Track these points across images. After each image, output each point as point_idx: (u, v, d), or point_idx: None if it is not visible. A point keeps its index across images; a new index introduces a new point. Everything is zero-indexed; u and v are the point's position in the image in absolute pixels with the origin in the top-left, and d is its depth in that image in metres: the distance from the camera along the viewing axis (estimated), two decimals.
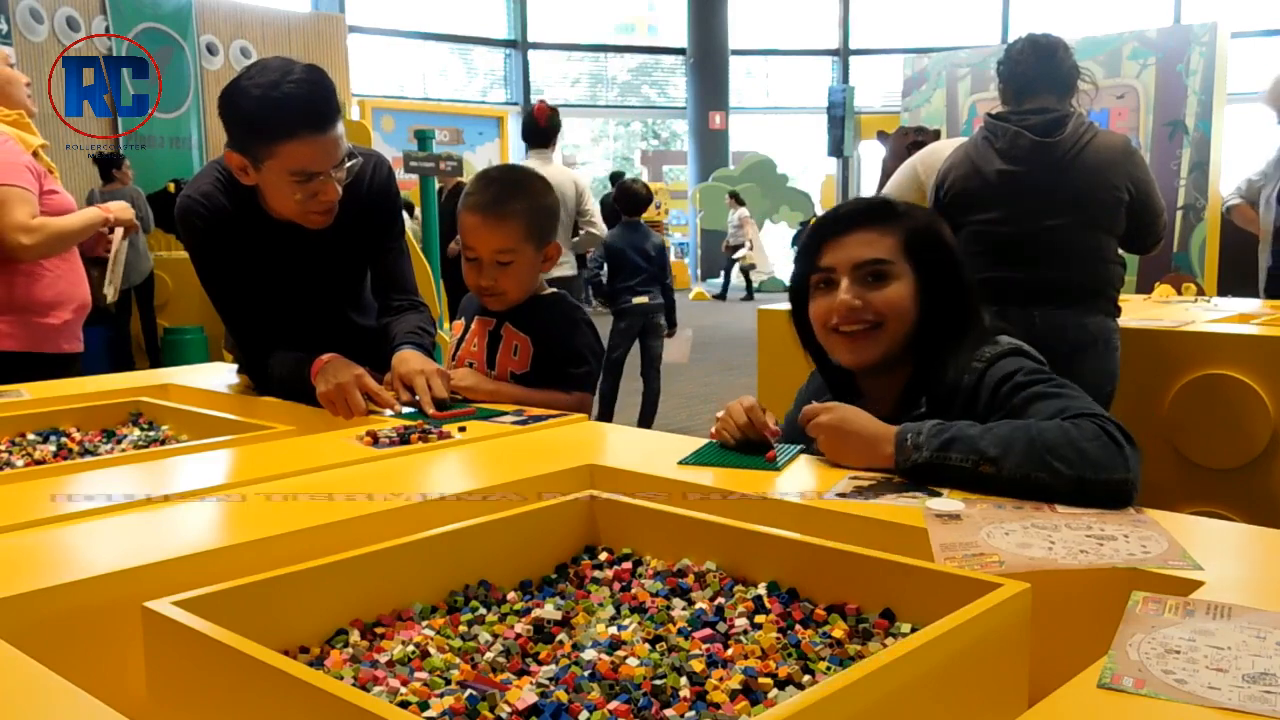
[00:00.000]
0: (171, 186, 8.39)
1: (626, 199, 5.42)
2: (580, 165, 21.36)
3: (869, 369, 1.46)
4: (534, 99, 16.59)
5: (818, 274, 1.47)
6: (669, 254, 5.56)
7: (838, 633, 0.86)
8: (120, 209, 2.71)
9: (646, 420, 5.37)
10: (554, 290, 2.06)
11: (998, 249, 2.70)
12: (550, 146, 4.64)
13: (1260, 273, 4.05)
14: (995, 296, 2.70)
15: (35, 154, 2.58)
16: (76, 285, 2.63)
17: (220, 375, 2.28)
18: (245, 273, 1.92)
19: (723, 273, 14.73)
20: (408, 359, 1.85)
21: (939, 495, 1.17)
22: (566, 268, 4.56)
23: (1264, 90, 3.98)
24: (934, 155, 3.66)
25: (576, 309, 2.05)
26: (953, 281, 1.47)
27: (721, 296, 14.30)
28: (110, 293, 2.79)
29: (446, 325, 5.92)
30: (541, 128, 4.58)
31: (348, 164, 1.83)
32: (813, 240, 1.50)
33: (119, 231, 2.72)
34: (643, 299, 5.27)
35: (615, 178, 13.46)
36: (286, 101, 1.71)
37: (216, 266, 1.93)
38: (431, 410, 1.74)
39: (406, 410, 1.76)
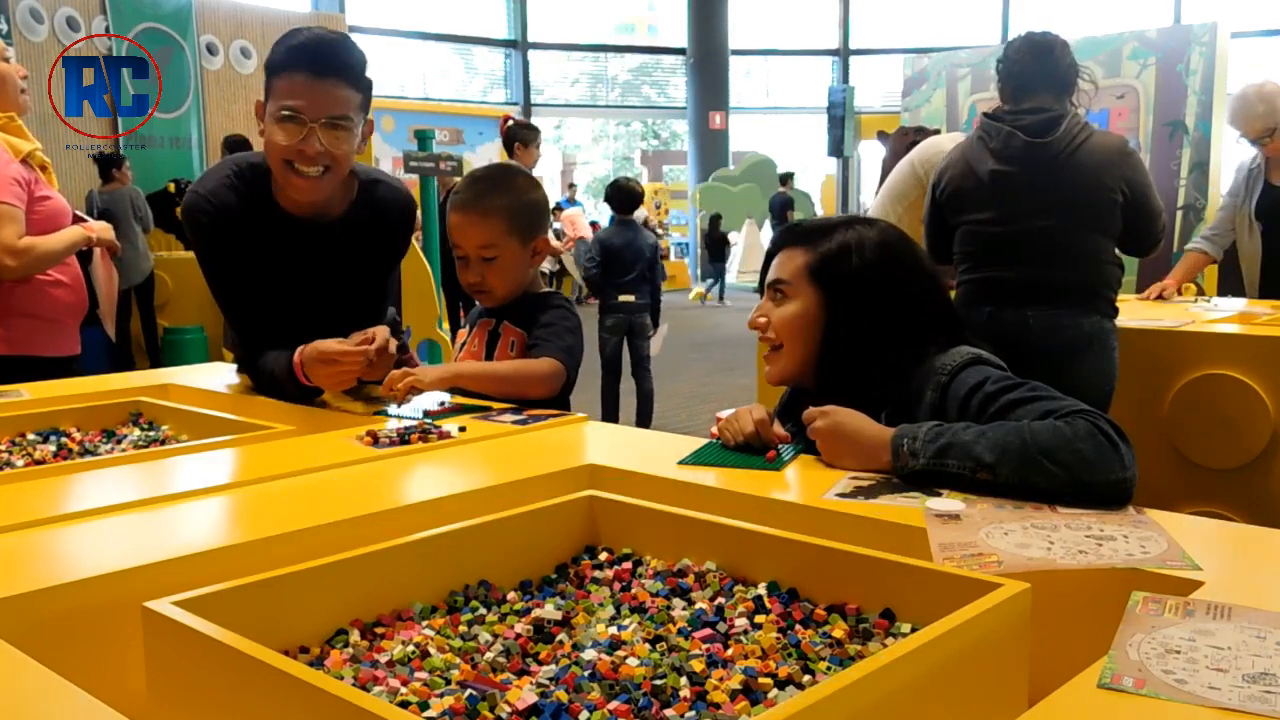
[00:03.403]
0: (171, 186, 8.39)
1: (620, 197, 5.44)
2: (580, 165, 21.37)
3: (781, 384, 1.55)
4: (534, 98, 16.70)
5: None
6: (661, 253, 5.60)
7: (838, 633, 0.86)
8: (102, 229, 2.72)
9: (644, 420, 5.38)
10: (549, 289, 2.09)
11: (992, 249, 2.70)
12: (513, 155, 5.30)
13: (1247, 286, 3.97)
14: (990, 297, 2.70)
15: (28, 156, 2.56)
16: (74, 289, 2.63)
17: (220, 375, 2.28)
18: (248, 272, 1.92)
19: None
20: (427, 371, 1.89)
21: (939, 495, 1.17)
22: None
23: (1230, 110, 3.88)
24: (930, 151, 3.67)
25: (564, 300, 2.06)
26: (866, 305, 1.44)
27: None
28: (109, 330, 2.84)
29: (445, 325, 5.93)
30: (504, 138, 5.41)
31: (348, 129, 1.83)
32: (766, 255, 1.60)
33: (98, 254, 2.73)
34: (629, 297, 5.30)
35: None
36: (294, 44, 1.81)
37: (219, 264, 1.94)
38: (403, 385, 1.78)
39: (403, 410, 1.77)
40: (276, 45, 1.84)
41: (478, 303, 2.09)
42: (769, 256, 1.57)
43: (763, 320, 1.51)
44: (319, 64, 1.79)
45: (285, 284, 1.94)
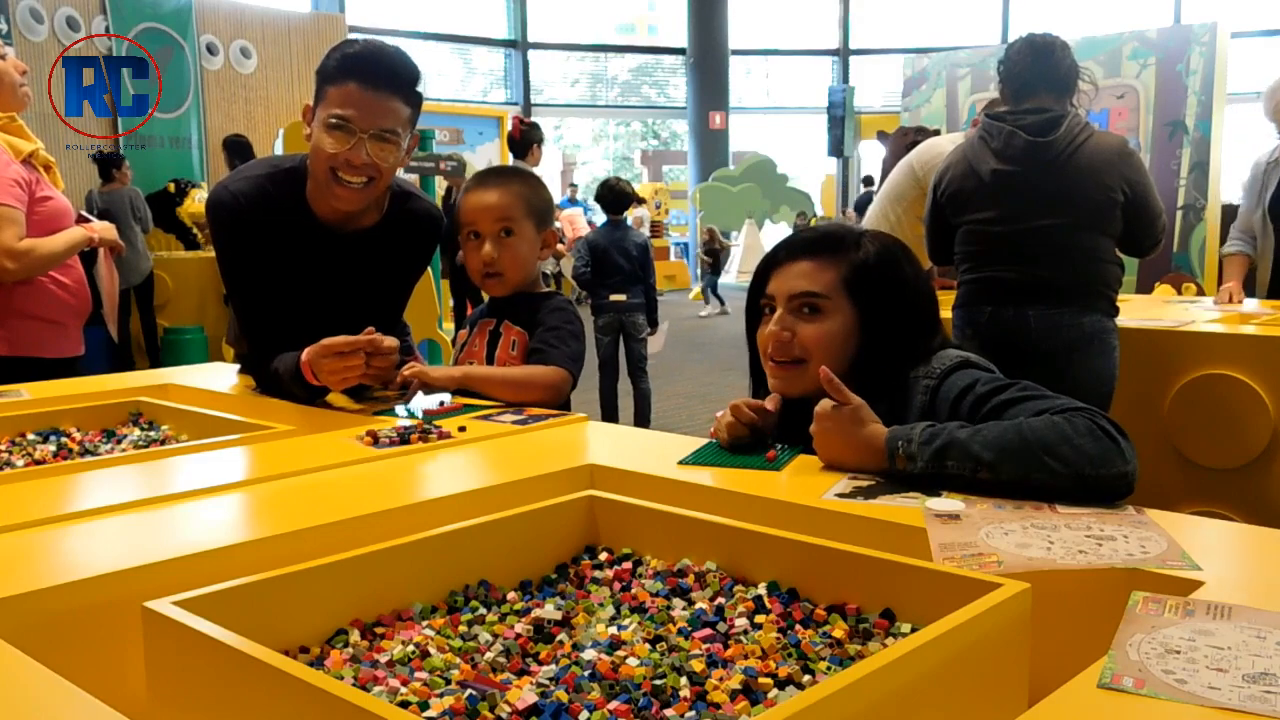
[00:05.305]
0: (171, 186, 8.40)
1: (610, 197, 5.47)
2: (580, 165, 21.37)
3: (796, 402, 1.42)
4: (534, 98, 16.71)
5: (764, 299, 1.49)
6: (653, 253, 5.63)
7: (838, 633, 0.86)
8: (104, 229, 2.71)
9: (642, 420, 5.40)
10: (550, 290, 2.10)
11: (993, 248, 2.70)
12: (525, 157, 5.43)
13: (1258, 284, 3.91)
14: (990, 296, 2.71)
15: (30, 156, 2.56)
16: (76, 290, 2.62)
17: (220, 375, 2.28)
18: (265, 273, 1.92)
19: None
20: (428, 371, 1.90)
21: (939, 495, 1.17)
22: None
23: (1264, 100, 3.79)
24: (929, 151, 3.67)
25: (566, 302, 2.07)
26: (898, 319, 1.44)
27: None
28: (112, 330, 2.85)
29: (448, 325, 5.95)
30: (518, 141, 5.47)
31: (396, 143, 1.83)
32: (763, 265, 1.52)
33: (101, 254, 2.73)
34: (619, 297, 5.32)
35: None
36: (350, 53, 1.82)
37: (234, 261, 1.94)
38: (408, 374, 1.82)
39: (410, 406, 1.78)
40: (331, 52, 1.84)
41: (484, 295, 2.09)
42: (769, 268, 1.49)
43: (787, 335, 1.43)
44: (373, 76, 1.79)
45: (305, 290, 1.94)
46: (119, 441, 1.77)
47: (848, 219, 13.14)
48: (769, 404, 1.43)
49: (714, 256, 13.12)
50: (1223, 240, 6.65)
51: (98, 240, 2.67)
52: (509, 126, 5.67)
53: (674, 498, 1.19)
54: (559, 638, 0.89)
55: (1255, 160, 3.85)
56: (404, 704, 0.73)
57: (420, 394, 1.83)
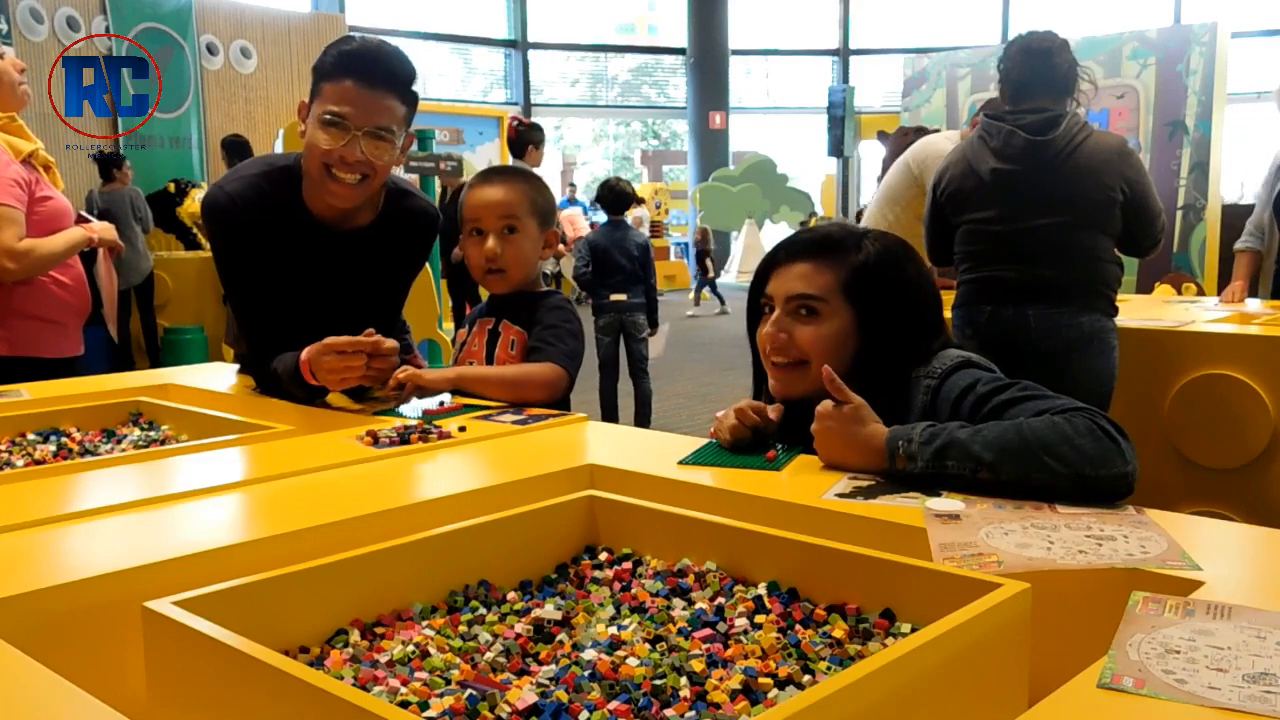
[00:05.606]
0: (171, 186, 8.40)
1: (610, 197, 5.48)
2: (580, 165, 21.37)
3: (797, 402, 1.42)
4: (534, 98, 16.71)
5: (763, 299, 1.49)
6: (653, 253, 5.63)
7: (838, 633, 0.86)
8: (104, 229, 2.72)
9: (643, 421, 5.40)
10: (549, 289, 2.10)
11: (992, 248, 2.70)
12: (522, 157, 5.53)
13: (1261, 284, 3.90)
14: (990, 296, 2.71)
15: (30, 156, 2.56)
16: (75, 290, 2.63)
17: (220, 375, 2.28)
18: (263, 273, 1.92)
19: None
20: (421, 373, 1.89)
21: (939, 495, 1.17)
22: None
23: (1277, 96, 3.76)
24: (924, 149, 3.67)
25: (565, 301, 2.07)
26: (899, 320, 1.43)
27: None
28: (112, 330, 2.85)
29: (448, 325, 5.96)
30: (515, 141, 5.61)
31: (391, 140, 1.84)
32: (764, 265, 1.51)
33: (101, 254, 2.73)
34: (620, 296, 5.32)
35: None
36: (347, 50, 1.83)
37: (232, 262, 1.94)
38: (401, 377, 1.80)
39: (405, 409, 1.78)
40: (328, 49, 1.84)
41: (483, 293, 2.09)
42: (769, 268, 1.49)
43: (784, 337, 1.43)
44: (369, 74, 1.80)
45: (302, 289, 1.94)
46: (119, 441, 1.77)
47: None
48: (772, 413, 1.42)
49: (704, 258, 13.02)
50: (1223, 240, 6.65)
51: (97, 240, 2.68)
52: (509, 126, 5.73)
53: (674, 498, 1.19)
54: (559, 638, 0.89)
55: (1275, 154, 3.83)
56: (404, 704, 0.73)
57: (415, 396, 1.82)
